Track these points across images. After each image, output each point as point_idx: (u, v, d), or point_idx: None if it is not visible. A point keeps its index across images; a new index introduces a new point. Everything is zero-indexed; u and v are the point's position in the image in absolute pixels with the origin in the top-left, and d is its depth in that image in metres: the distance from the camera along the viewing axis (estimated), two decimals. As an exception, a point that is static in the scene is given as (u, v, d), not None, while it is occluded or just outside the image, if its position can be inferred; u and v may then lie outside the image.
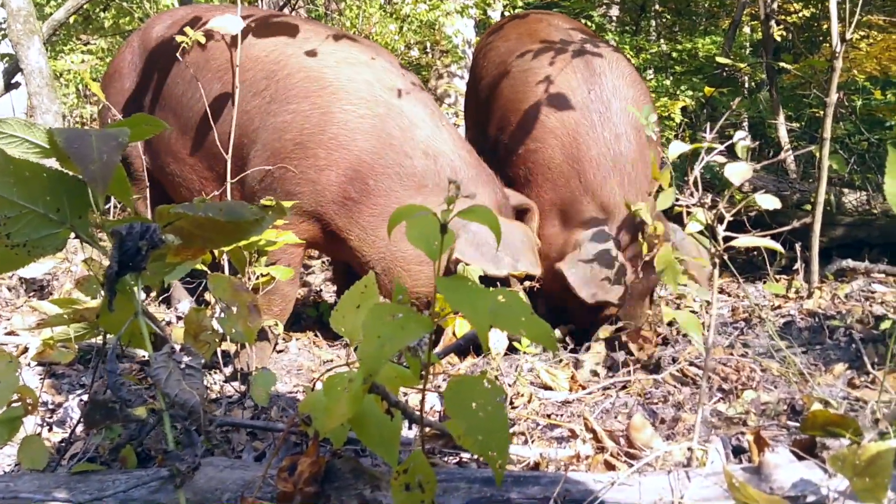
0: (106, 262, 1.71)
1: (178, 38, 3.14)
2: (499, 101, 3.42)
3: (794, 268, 3.94)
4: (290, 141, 2.93)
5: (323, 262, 4.77)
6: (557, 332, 3.10)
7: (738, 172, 1.51)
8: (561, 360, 2.80)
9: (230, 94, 3.11)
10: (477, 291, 1.10)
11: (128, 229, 1.33)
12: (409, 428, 2.03)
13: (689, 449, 1.71)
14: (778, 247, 1.62)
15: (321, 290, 4.22)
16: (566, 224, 3.04)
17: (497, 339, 2.60)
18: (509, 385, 2.49)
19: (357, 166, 2.89)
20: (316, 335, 3.32)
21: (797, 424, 2.07)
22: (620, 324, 2.92)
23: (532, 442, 2.08)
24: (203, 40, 3.16)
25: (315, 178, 2.90)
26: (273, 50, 3.11)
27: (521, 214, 3.10)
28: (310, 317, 3.60)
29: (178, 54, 3.19)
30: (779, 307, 3.45)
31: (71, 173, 1.49)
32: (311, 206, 2.91)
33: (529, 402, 2.39)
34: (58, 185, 1.47)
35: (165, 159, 3.34)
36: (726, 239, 1.59)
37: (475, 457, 1.88)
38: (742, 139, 1.55)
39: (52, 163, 1.56)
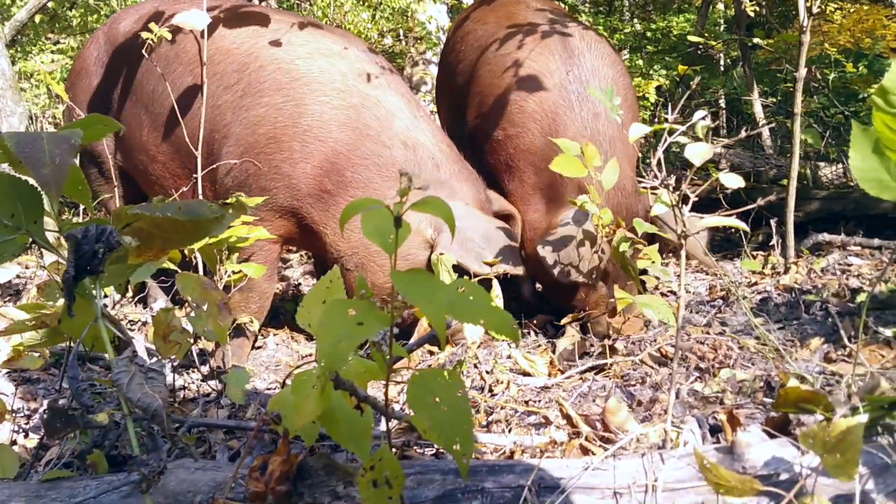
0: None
1: (144, 35, 3.10)
2: (477, 86, 3.40)
3: (771, 243, 3.95)
4: (263, 135, 2.89)
5: (301, 256, 4.74)
6: (538, 319, 3.09)
7: (699, 153, 1.51)
8: (539, 346, 2.80)
9: (201, 89, 3.07)
10: (434, 284, 1.09)
11: (83, 233, 1.31)
12: (388, 422, 2.02)
13: (665, 430, 1.71)
14: (742, 225, 1.62)
15: (300, 284, 4.20)
16: (549, 207, 3.02)
17: (472, 329, 2.59)
18: (487, 372, 2.49)
19: (333, 158, 2.85)
20: (294, 330, 3.30)
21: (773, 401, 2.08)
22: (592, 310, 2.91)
23: (510, 429, 2.07)
24: (169, 37, 3.11)
25: (290, 172, 2.86)
26: (244, 42, 3.07)
27: (503, 220, 3.07)
28: (288, 311, 3.59)
29: (143, 50, 3.15)
30: (755, 284, 3.46)
31: (24, 177, 1.47)
32: (286, 201, 2.88)
33: (507, 388, 2.38)
34: (11, 190, 1.44)
35: (138, 157, 3.30)
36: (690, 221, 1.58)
37: (450, 447, 1.87)
38: (701, 119, 1.54)
39: (5, 168, 1.54)
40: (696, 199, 1.59)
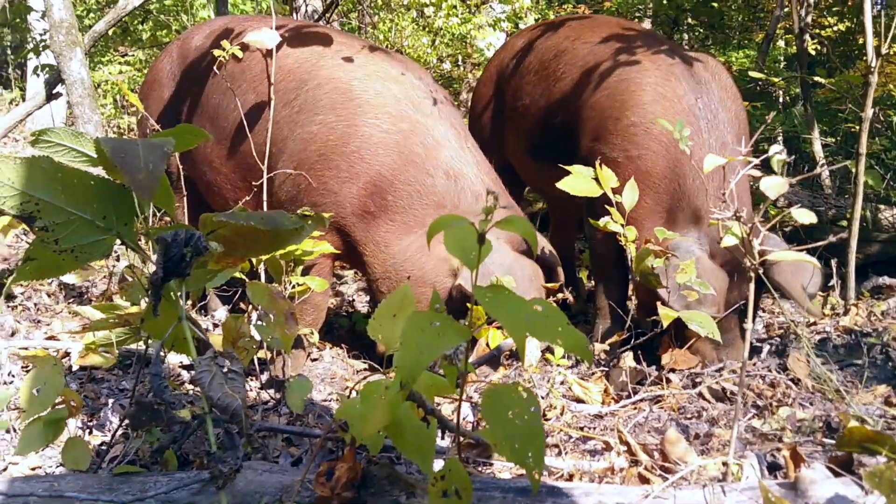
0: (148, 270, 1.75)
1: (216, 52, 3.20)
2: (592, 110, 3.33)
3: (830, 284, 3.90)
4: (314, 152, 2.96)
5: (356, 273, 4.80)
6: (597, 347, 3.07)
7: (774, 186, 1.52)
8: (594, 373, 2.80)
9: (264, 105, 3.15)
10: (514, 301, 1.12)
11: (173, 236, 1.37)
12: (443, 437, 2.05)
13: (724, 464, 1.71)
14: (814, 261, 1.62)
15: (353, 300, 4.26)
16: (671, 229, 2.96)
17: (530, 351, 2.61)
18: (542, 397, 2.50)
19: (377, 181, 2.90)
20: (348, 345, 3.34)
21: (833, 441, 2.06)
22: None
23: (565, 454, 2.08)
24: (240, 54, 3.21)
25: (336, 190, 2.92)
26: (305, 60, 3.15)
27: (545, 272, 3.02)
28: (342, 326, 3.63)
29: (215, 67, 3.24)
30: (814, 324, 3.42)
31: (117, 181, 1.53)
32: (333, 218, 2.93)
33: (562, 414, 2.39)
34: (104, 192, 1.51)
35: (202, 168, 3.40)
36: (761, 253, 1.59)
37: (509, 466, 1.89)
38: (778, 153, 1.55)
39: (98, 171, 1.61)
40: (766, 232, 1.60)
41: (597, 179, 2.80)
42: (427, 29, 8.53)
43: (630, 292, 3.28)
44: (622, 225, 2.80)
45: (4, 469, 1.98)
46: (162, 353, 1.57)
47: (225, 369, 1.36)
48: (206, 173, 3.39)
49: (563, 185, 2.81)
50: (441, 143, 2.95)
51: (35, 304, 3.62)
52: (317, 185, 2.94)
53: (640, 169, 3.05)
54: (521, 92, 3.85)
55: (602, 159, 3.08)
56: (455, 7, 8.37)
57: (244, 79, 3.25)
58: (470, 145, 3.03)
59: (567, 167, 2.85)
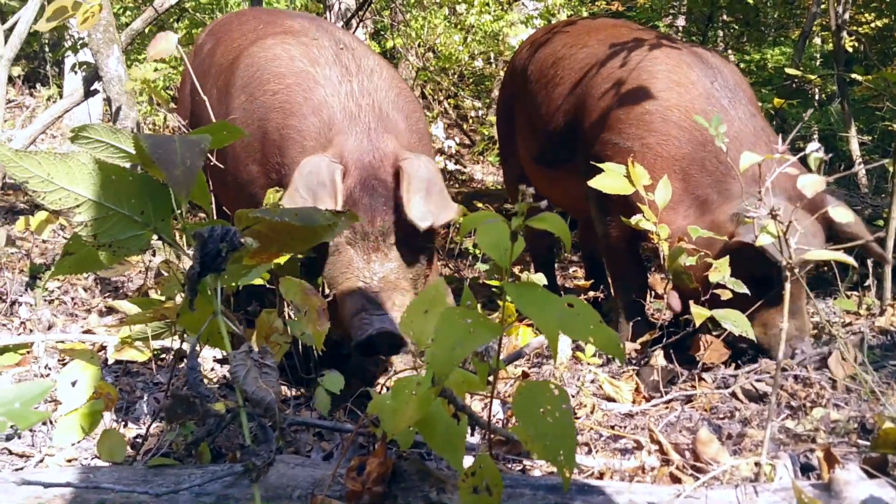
0: (184, 265, 1.78)
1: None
2: (601, 101, 3.26)
3: (866, 284, 3.84)
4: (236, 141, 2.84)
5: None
6: (629, 346, 3.05)
7: (811, 184, 1.50)
8: (625, 372, 2.79)
9: (223, 100, 3.02)
10: (546, 298, 1.12)
11: (209, 232, 1.38)
12: (472, 434, 2.05)
13: (757, 464, 1.70)
14: (850, 260, 1.60)
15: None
16: (707, 210, 2.90)
17: (561, 349, 2.60)
18: (572, 395, 2.49)
19: (271, 147, 2.72)
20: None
21: (867, 443, 2.03)
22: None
23: (595, 453, 2.08)
24: (178, 55, 3.15)
25: (255, 172, 2.77)
26: (245, 50, 3.02)
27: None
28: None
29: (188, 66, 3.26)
30: (850, 324, 3.37)
31: (155, 177, 1.56)
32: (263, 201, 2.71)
33: (592, 412, 2.38)
34: (142, 188, 1.53)
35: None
36: (798, 251, 1.57)
37: (539, 464, 1.89)
38: (815, 151, 1.53)
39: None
40: (802, 230, 1.58)
41: (628, 176, 2.78)
42: (459, 26, 8.54)
43: (663, 290, 3.24)
44: (654, 223, 2.77)
45: (41, 460, 2.02)
46: (197, 348, 1.60)
47: (259, 363, 1.37)
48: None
49: (595, 183, 2.79)
50: (320, 84, 2.70)
51: (72, 299, 3.68)
52: (245, 174, 2.79)
53: (661, 155, 3.01)
54: (526, 99, 3.84)
55: (614, 149, 3.04)
56: (487, 4, 8.37)
57: (209, 75, 3.19)
58: (358, 78, 2.74)
59: (599, 164, 2.83)
